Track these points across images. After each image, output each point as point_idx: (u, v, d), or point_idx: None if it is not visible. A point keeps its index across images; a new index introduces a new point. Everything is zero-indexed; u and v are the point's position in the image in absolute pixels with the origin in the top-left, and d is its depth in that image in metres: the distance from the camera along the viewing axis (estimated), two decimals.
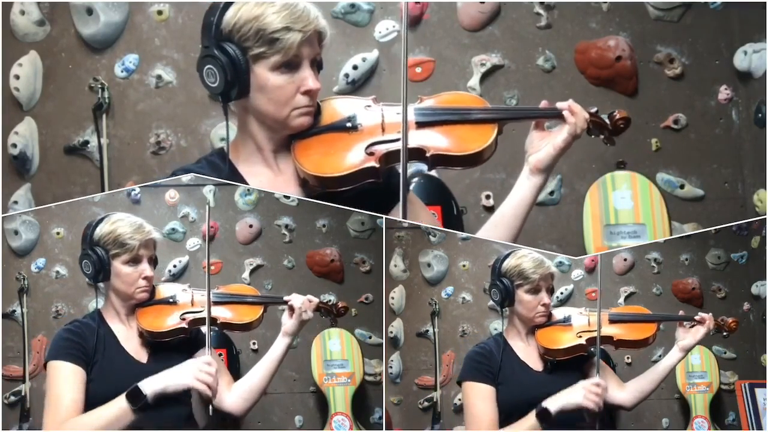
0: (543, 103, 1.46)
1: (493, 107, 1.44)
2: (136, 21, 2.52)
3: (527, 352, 1.77)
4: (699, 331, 1.75)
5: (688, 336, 1.75)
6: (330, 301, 1.76)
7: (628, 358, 2.22)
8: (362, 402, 2.39)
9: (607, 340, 1.74)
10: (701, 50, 2.48)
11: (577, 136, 1.41)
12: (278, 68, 1.32)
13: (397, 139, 1.35)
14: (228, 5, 1.32)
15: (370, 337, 2.38)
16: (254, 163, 1.42)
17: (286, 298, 1.70)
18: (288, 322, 1.68)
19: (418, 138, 1.37)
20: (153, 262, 1.66)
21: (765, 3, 2.27)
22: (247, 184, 1.41)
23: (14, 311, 2.30)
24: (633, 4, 2.48)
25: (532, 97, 2.49)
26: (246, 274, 2.38)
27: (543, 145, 1.43)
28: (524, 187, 1.44)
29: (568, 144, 1.41)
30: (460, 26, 2.50)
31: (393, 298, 2.36)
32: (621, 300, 2.29)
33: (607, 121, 1.45)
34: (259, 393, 1.68)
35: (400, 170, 1.37)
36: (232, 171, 1.41)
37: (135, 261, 1.61)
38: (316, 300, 1.71)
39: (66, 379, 1.53)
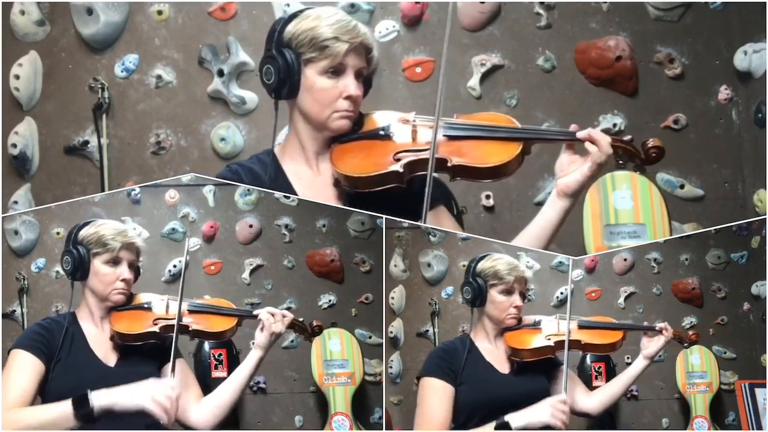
0: (573, 126, 1.49)
1: (522, 127, 1.51)
2: (136, 21, 2.52)
3: (494, 355, 1.73)
4: (660, 340, 1.81)
5: (651, 344, 1.81)
6: (303, 319, 1.75)
7: (627, 357, 2.21)
8: (362, 402, 2.39)
9: (575, 344, 1.77)
10: (701, 50, 2.48)
11: (603, 164, 1.45)
12: (325, 72, 1.48)
13: (424, 149, 1.47)
14: (291, 18, 1.50)
15: (370, 337, 2.38)
16: (298, 162, 1.56)
17: (255, 312, 1.71)
18: (259, 336, 1.69)
19: (443, 149, 1.48)
20: (134, 268, 1.68)
21: (765, 3, 2.27)
22: (288, 181, 1.55)
23: (14, 311, 2.29)
24: (633, 4, 2.48)
25: (532, 97, 2.49)
26: (246, 274, 2.38)
27: (572, 169, 1.47)
28: (551, 209, 1.50)
29: (594, 172, 1.45)
30: (460, 26, 2.50)
31: (393, 298, 2.36)
32: (621, 300, 2.29)
33: (640, 149, 1.47)
34: (228, 407, 1.67)
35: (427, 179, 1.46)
36: (277, 167, 1.56)
37: (114, 262, 1.64)
38: (290, 315, 1.71)
39: (22, 369, 1.55)
